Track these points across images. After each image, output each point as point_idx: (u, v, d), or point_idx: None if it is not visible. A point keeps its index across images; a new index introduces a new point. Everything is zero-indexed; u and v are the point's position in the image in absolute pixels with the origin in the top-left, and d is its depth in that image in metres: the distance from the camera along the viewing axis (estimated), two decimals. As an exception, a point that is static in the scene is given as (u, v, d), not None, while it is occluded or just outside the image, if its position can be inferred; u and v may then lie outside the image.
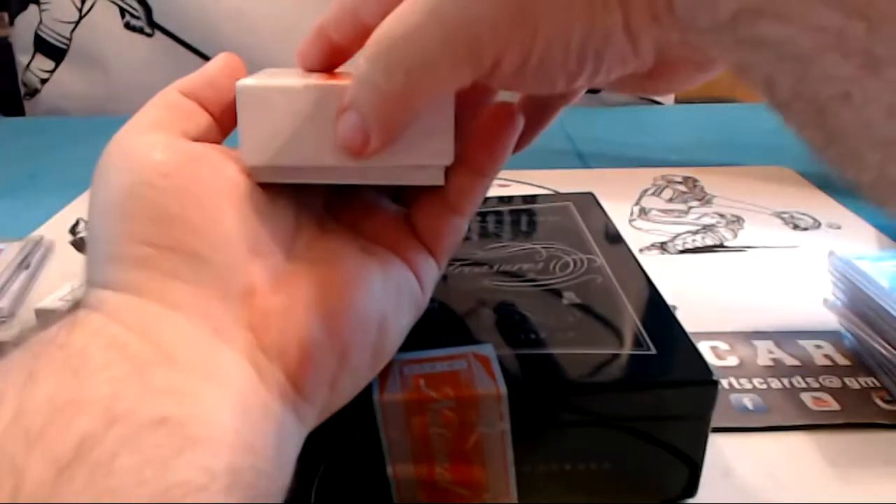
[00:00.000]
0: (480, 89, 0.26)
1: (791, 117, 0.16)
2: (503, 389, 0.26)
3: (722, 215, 0.57)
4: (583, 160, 0.72)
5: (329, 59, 0.25)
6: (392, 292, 0.24)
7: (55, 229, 0.56)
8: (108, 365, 0.18)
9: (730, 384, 0.35)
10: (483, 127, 0.25)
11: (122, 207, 0.21)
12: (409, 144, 0.23)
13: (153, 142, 0.23)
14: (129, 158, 0.22)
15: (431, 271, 0.26)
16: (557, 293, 0.32)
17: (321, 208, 0.26)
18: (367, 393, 0.25)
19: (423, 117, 0.23)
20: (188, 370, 0.19)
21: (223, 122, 0.25)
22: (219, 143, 0.25)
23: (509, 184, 0.62)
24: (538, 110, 0.28)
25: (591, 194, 0.43)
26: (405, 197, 0.28)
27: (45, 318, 0.39)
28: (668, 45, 0.19)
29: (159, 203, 0.21)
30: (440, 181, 0.25)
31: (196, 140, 0.24)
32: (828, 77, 0.15)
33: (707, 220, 0.56)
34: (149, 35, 0.96)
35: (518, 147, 0.27)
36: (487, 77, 0.20)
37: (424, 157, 0.24)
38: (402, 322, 0.25)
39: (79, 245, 0.53)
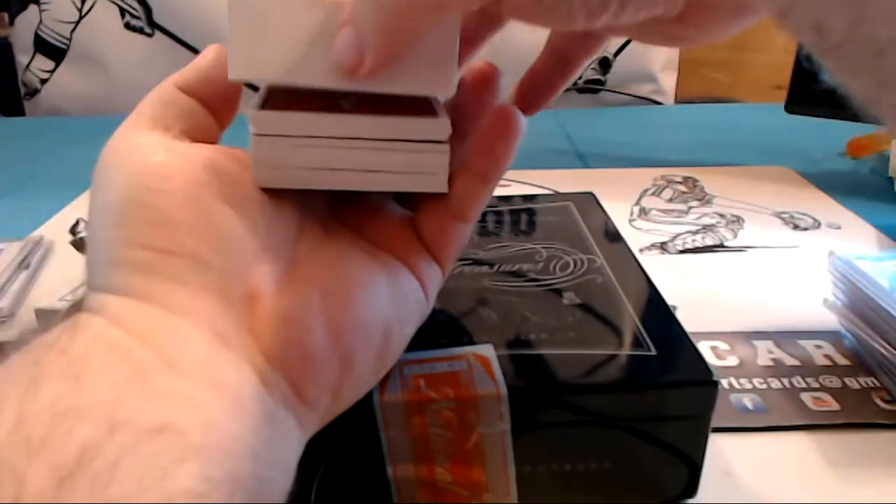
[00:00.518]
0: (487, 76, 0.26)
1: (842, 63, 0.15)
2: (503, 390, 0.26)
3: (722, 215, 0.57)
4: (583, 160, 0.72)
5: None
6: (397, 299, 0.24)
7: (55, 229, 0.56)
8: (110, 370, 0.18)
9: (730, 384, 0.35)
10: (485, 132, 0.25)
11: (121, 211, 0.21)
12: (410, 72, 0.22)
13: (153, 143, 0.22)
14: (128, 160, 0.22)
15: (436, 278, 0.26)
16: (557, 293, 0.32)
17: (325, 211, 0.26)
18: (367, 393, 0.25)
19: (425, 46, 0.22)
20: (190, 376, 0.19)
21: (220, 117, 0.25)
22: (217, 138, 0.25)
23: (509, 184, 0.62)
24: (557, 66, 0.28)
25: (591, 194, 0.43)
26: (409, 201, 0.28)
27: (46, 318, 0.39)
28: None
29: (159, 207, 0.21)
30: (444, 188, 0.25)
31: (194, 137, 0.24)
32: (890, 16, 0.13)
33: (707, 220, 0.56)
34: (149, 35, 0.96)
35: (540, 104, 0.26)
36: (497, 4, 0.19)
37: (424, 87, 0.23)
38: (406, 329, 0.25)
39: (79, 245, 0.53)
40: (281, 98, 0.25)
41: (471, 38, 0.27)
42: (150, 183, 0.21)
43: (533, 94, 0.29)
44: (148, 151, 0.22)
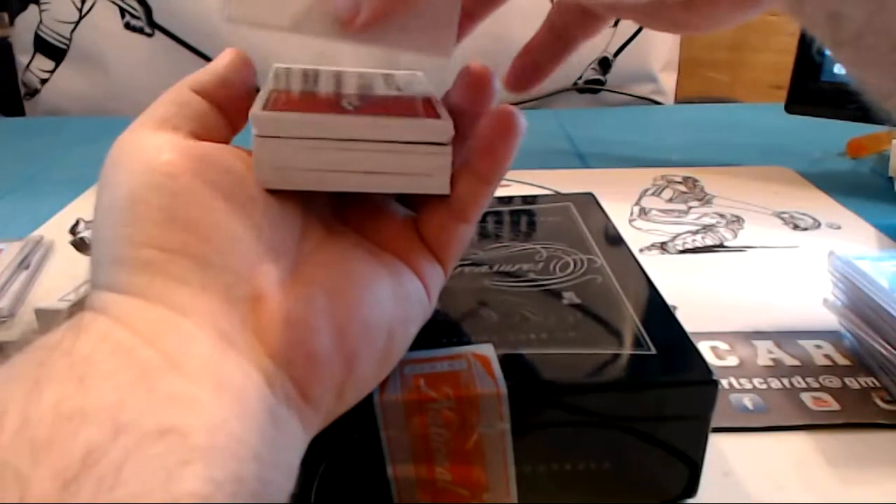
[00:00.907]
0: (482, 79, 0.26)
1: (857, 56, 0.14)
2: (503, 389, 0.26)
3: (722, 215, 0.57)
4: (583, 160, 0.72)
5: None
6: (400, 300, 0.24)
7: (55, 229, 0.56)
8: (114, 372, 0.18)
9: (730, 384, 0.35)
10: (486, 133, 0.25)
11: (127, 209, 0.21)
12: (409, 31, 0.23)
13: (160, 143, 0.22)
14: (135, 159, 0.22)
15: (438, 279, 0.26)
16: (557, 293, 0.32)
17: (327, 211, 0.26)
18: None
19: (426, 7, 0.22)
20: (194, 377, 0.19)
21: (233, 121, 0.25)
22: (227, 142, 0.25)
23: (509, 184, 0.62)
24: (555, 44, 0.27)
25: (591, 195, 0.43)
26: (410, 201, 0.27)
27: (46, 318, 0.39)
28: None
29: (165, 205, 0.21)
30: (446, 190, 0.25)
31: (204, 139, 0.24)
32: None
33: (707, 220, 0.56)
34: (149, 35, 0.96)
35: (533, 82, 0.26)
36: None
37: (422, 47, 0.23)
38: (409, 331, 0.25)
39: (79, 245, 0.53)
40: (283, 99, 0.25)
41: (472, 13, 0.27)
42: (156, 181, 0.21)
43: (528, 69, 0.28)
44: (155, 150, 0.22)
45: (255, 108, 0.24)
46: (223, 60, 0.25)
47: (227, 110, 0.25)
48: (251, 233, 0.22)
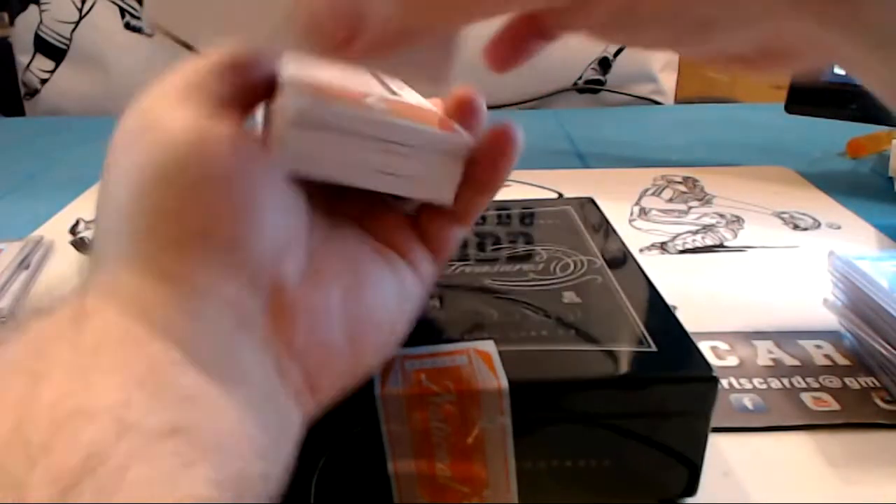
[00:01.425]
0: (467, 105, 0.26)
1: None
2: (504, 384, 0.26)
3: (722, 215, 0.57)
4: (583, 160, 0.72)
5: None
6: (402, 299, 0.25)
7: (55, 229, 0.56)
8: (121, 367, 0.17)
9: (730, 384, 0.35)
10: (486, 149, 0.25)
11: (147, 184, 0.20)
12: (405, 63, 0.21)
13: (183, 117, 0.21)
14: (158, 134, 0.21)
15: (432, 275, 0.27)
16: (558, 293, 0.32)
17: (325, 204, 0.26)
18: (368, 387, 0.25)
19: (425, 42, 0.20)
20: (206, 370, 0.18)
21: (255, 98, 0.24)
22: (252, 107, 0.24)
23: (510, 184, 0.62)
24: (536, 36, 0.26)
25: (590, 198, 0.44)
26: (408, 199, 0.28)
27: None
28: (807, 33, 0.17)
29: (193, 184, 0.20)
30: (450, 201, 0.26)
31: (226, 116, 0.22)
32: None
33: (707, 220, 0.56)
34: (149, 35, 0.96)
35: (510, 65, 0.26)
36: (575, 18, 0.19)
37: (417, 80, 0.22)
38: (405, 327, 0.26)
39: (79, 245, 0.53)
40: (315, 88, 0.24)
41: (520, 47, 0.26)
42: (180, 159, 0.20)
43: (523, 32, 0.26)
44: (181, 128, 0.21)
45: (292, 95, 0.22)
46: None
47: (251, 87, 0.23)
48: (272, 218, 0.21)
